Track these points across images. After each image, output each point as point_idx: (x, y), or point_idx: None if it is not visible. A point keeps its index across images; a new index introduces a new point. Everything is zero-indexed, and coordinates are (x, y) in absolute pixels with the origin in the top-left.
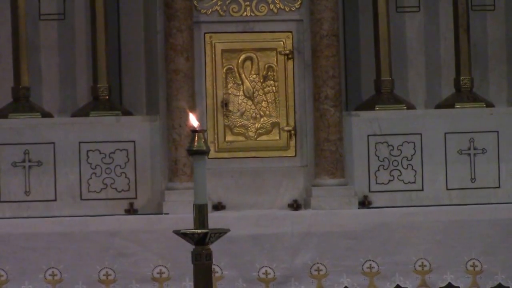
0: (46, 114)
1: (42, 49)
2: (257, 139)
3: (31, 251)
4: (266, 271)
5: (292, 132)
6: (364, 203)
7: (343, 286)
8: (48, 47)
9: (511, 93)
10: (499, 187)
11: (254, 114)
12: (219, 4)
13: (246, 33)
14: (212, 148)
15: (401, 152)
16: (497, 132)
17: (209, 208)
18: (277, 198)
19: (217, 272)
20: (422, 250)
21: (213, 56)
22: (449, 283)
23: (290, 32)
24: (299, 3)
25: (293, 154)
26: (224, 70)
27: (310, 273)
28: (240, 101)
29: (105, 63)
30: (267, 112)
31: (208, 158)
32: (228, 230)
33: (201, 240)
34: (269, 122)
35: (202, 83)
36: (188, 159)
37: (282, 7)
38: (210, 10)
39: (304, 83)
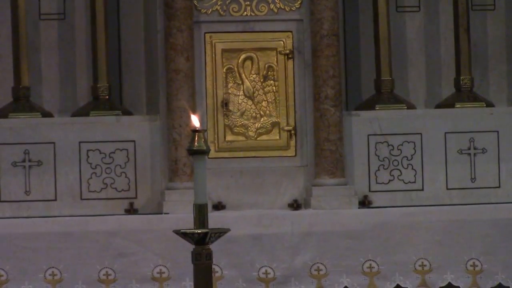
0: (46, 114)
1: (42, 49)
2: (257, 138)
3: (31, 251)
4: (266, 271)
5: (292, 131)
6: (364, 203)
7: (343, 286)
8: (48, 47)
9: (511, 93)
10: (499, 187)
11: (254, 114)
12: (219, 3)
13: (246, 32)
14: (212, 148)
15: (401, 152)
16: (497, 132)
17: (209, 208)
18: (277, 198)
19: (217, 272)
20: (422, 249)
21: (213, 55)
22: (449, 283)
23: (290, 31)
24: (299, 2)
25: (293, 154)
26: (224, 70)
27: (310, 273)
28: (240, 101)
29: (105, 63)
30: (267, 111)
31: (208, 157)
32: (228, 230)
33: (201, 240)
34: (269, 122)
35: (202, 83)
36: (188, 159)
37: (282, 7)
38: (210, 9)
39: (304, 82)
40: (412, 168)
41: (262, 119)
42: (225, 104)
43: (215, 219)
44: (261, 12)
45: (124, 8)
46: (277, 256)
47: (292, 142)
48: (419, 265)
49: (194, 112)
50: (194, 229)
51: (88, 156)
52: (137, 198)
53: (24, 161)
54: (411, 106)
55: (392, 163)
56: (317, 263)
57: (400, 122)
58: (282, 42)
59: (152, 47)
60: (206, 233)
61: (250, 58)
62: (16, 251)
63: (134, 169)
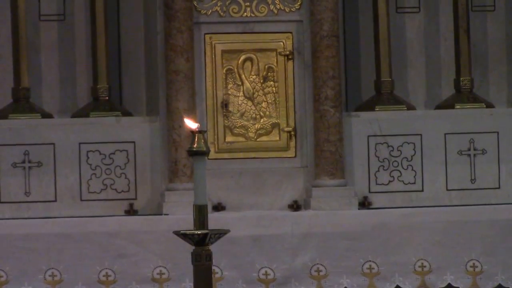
0: (46, 115)
1: (42, 49)
2: (257, 139)
3: (31, 251)
4: (266, 271)
5: (292, 132)
6: (364, 204)
7: (343, 287)
8: (48, 47)
9: (511, 94)
10: (499, 187)
11: (254, 115)
12: (219, 4)
13: (246, 33)
14: (212, 149)
15: (401, 153)
16: (497, 132)
17: (209, 208)
18: (277, 198)
19: (217, 273)
20: (422, 250)
21: (213, 56)
22: (449, 283)
23: (290, 32)
24: (299, 3)
25: (293, 155)
26: (224, 71)
27: (310, 274)
28: (240, 102)
29: (105, 64)
30: (267, 112)
31: (208, 158)
32: (228, 230)
33: (201, 241)
34: (269, 123)
35: (202, 84)
36: (188, 160)
37: (282, 8)
38: (210, 10)
39: (304, 83)
40: (412, 169)
41: (262, 120)
42: (225, 105)
43: (215, 220)
44: (261, 13)
45: (124, 9)
46: (277, 257)
47: (292, 143)
48: (419, 266)
49: (190, 115)
50: (194, 230)
51: (88, 157)
52: (137, 199)
53: (24, 162)
54: (411, 107)
55: (392, 164)
56: (317, 264)
57: (400, 123)
58: (282, 43)
59: (152, 48)
60: (206, 234)
61: (250, 59)
62: (16, 252)
63: (134, 170)
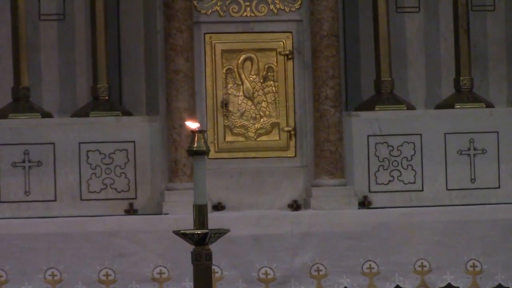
0: (46, 114)
1: (42, 49)
2: (257, 139)
3: (31, 251)
4: (266, 271)
5: (292, 132)
6: (364, 204)
7: (343, 287)
8: (48, 47)
9: (511, 93)
10: (499, 187)
11: (254, 115)
12: (219, 4)
13: (246, 33)
14: (212, 149)
15: (401, 153)
16: (497, 132)
17: (209, 208)
18: (277, 198)
19: (217, 272)
20: (422, 250)
21: (213, 56)
22: (449, 283)
23: (290, 32)
24: (299, 3)
25: (293, 155)
26: (224, 71)
27: (310, 274)
28: (240, 102)
29: (105, 63)
30: (267, 112)
31: (208, 158)
32: (228, 230)
33: (201, 241)
34: (269, 123)
35: (202, 84)
36: (188, 160)
37: (282, 8)
38: (210, 10)
39: (304, 83)
40: (412, 169)
41: (262, 119)
42: (225, 104)
43: (215, 220)
44: (261, 12)
45: (124, 8)
46: (277, 257)
47: (292, 143)
48: (419, 266)
49: (192, 115)
50: (194, 229)
51: (88, 157)
52: (137, 198)
53: (24, 161)
54: (410, 107)
55: (392, 163)
56: (317, 263)
57: (400, 122)
58: (282, 43)
59: (152, 47)
60: (206, 234)
61: (250, 59)
62: (15, 251)
63: (134, 170)
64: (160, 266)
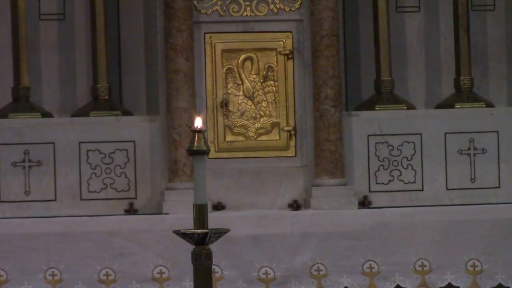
0: (46, 114)
1: (42, 49)
2: (257, 139)
3: (31, 251)
4: (266, 271)
5: (292, 132)
6: (364, 203)
7: (343, 286)
8: (48, 47)
9: (511, 94)
10: (499, 187)
11: (254, 114)
12: (219, 4)
13: (246, 33)
14: (212, 148)
15: (401, 152)
16: (497, 132)
17: (209, 208)
18: (277, 198)
19: (217, 272)
20: (422, 250)
21: (213, 56)
22: (449, 283)
23: (290, 32)
24: (299, 3)
25: (293, 154)
26: (224, 70)
27: (310, 273)
28: (240, 101)
29: (105, 63)
30: (267, 112)
31: (208, 158)
32: (228, 230)
33: (201, 240)
34: (269, 122)
35: (202, 83)
36: (188, 159)
37: (282, 7)
38: (210, 10)
39: (304, 83)
40: (412, 169)
41: (262, 119)
42: (225, 104)
43: (215, 220)
44: (261, 12)
45: (124, 8)
46: (277, 257)
47: (292, 143)
48: (419, 266)
49: (198, 114)
50: (194, 229)
51: (88, 157)
52: (137, 198)
53: (24, 161)
54: (411, 107)
55: (392, 163)
56: (317, 263)
57: (400, 122)
58: (282, 43)
59: (152, 47)
60: (206, 234)
61: (250, 59)
62: (16, 251)
63: (134, 170)
64: (160, 266)
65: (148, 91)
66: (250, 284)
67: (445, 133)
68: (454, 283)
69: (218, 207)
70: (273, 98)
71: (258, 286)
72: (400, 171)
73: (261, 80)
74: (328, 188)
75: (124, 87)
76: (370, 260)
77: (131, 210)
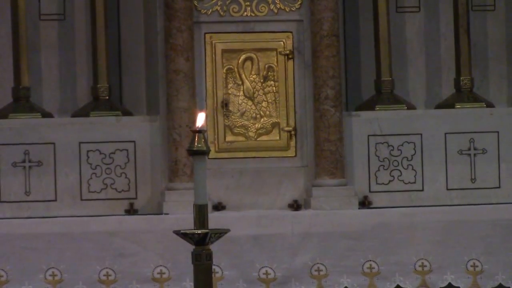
0: (46, 114)
1: (42, 49)
2: (257, 139)
3: (31, 251)
4: (266, 271)
5: (292, 132)
6: (364, 203)
7: (343, 287)
8: (48, 47)
9: (511, 94)
10: (499, 187)
11: (254, 114)
12: (219, 4)
13: (246, 33)
14: (212, 148)
15: (401, 152)
16: (497, 132)
17: (209, 208)
18: (277, 198)
19: (218, 272)
20: (422, 250)
21: (213, 56)
22: (450, 283)
23: (290, 32)
24: (299, 3)
25: (293, 154)
26: (224, 70)
27: (311, 273)
28: (240, 101)
29: (105, 63)
30: (267, 112)
31: (209, 158)
32: (228, 230)
33: (201, 240)
34: (269, 122)
35: (202, 83)
36: (189, 159)
37: (282, 7)
38: (210, 10)
39: (304, 83)
40: (412, 169)
41: (262, 119)
42: (225, 104)
43: (215, 220)
44: (261, 12)
45: (124, 8)
46: (277, 257)
47: (292, 143)
48: (419, 266)
49: (199, 111)
50: (194, 229)
51: (88, 157)
52: (137, 198)
53: (24, 161)
54: (411, 107)
55: (392, 163)
56: (317, 263)
57: (400, 122)
58: (282, 43)
59: (152, 47)
60: (206, 234)
61: (250, 59)
62: (16, 251)
63: (134, 170)
64: (161, 266)
65: (148, 91)
66: (250, 284)
67: (445, 133)
68: (454, 283)
69: (218, 207)
70: (273, 98)
71: (258, 286)
72: (400, 171)
73: (261, 80)
74: (329, 188)
75: (124, 87)
76: (370, 260)
77: (131, 210)
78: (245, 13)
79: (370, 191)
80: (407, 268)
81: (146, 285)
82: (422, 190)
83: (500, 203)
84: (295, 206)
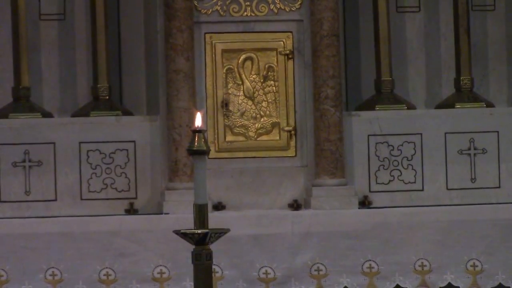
0: (46, 114)
1: (42, 49)
2: (257, 139)
3: (31, 251)
4: (266, 271)
5: (292, 132)
6: (364, 203)
7: (343, 286)
8: (48, 47)
9: (511, 94)
10: (499, 187)
11: (254, 114)
12: (219, 4)
13: (246, 33)
14: (212, 148)
15: (401, 152)
16: (497, 132)
17: (209, 208)
18: (277, 198)
19: (217, 272)
20: (422, 250)
21: (213, 56)
22: (449, 283)
23: (291, 32)
24: (299, 3)
25: (293, 154)
26: (224, 70)
27: (310, 273)
28: (240, 101)
29: (105, 63)
30: (267, 112)
31: (209, 158)
32: (228, 230)
33: (201, 240)
34: (269, 122)
35: (202, 83)
36: (189, 159)
37: (283, 7)
38: (210, 10)
39: (304, 83)
40: (412, 168)
41: (262, 119)
42: (225, 104)
43: (215, 219)
44: (261, 12)
45: (124, 8)
46: (277, 256)
47: (292, 143)
48: (419, 265)
49: (198, 111)
50: (194, 229)
51: (88, 157)
52: (137, 198)
53: (24, 161)
54: (411, 106)
55: (392, 163)
56: (317, 263)
57: (400, 122)
58: (282, 43)
59: (152, 47)
60: (206, 233)
61: (250, 59)
62: (16, 251)
63: (134, 170)
64: (161, 265)
65: (148, 91)
66: (250, 284)
67: (445, 133)
68: (454, 283)
69: (218, 207)
70: (273, 98)
71: (258, 286)
72: (400, 171)
73: (261, 80)
74: (329, 188)
75: (124, 87)
76: (370, 260)
77: (131, 210)
78: (245, 13)
79: (370, 191)
80: (407, 267)
81: (146, 285)
82: (422, 190)
83: (500, 203)
84: (295, 205)
